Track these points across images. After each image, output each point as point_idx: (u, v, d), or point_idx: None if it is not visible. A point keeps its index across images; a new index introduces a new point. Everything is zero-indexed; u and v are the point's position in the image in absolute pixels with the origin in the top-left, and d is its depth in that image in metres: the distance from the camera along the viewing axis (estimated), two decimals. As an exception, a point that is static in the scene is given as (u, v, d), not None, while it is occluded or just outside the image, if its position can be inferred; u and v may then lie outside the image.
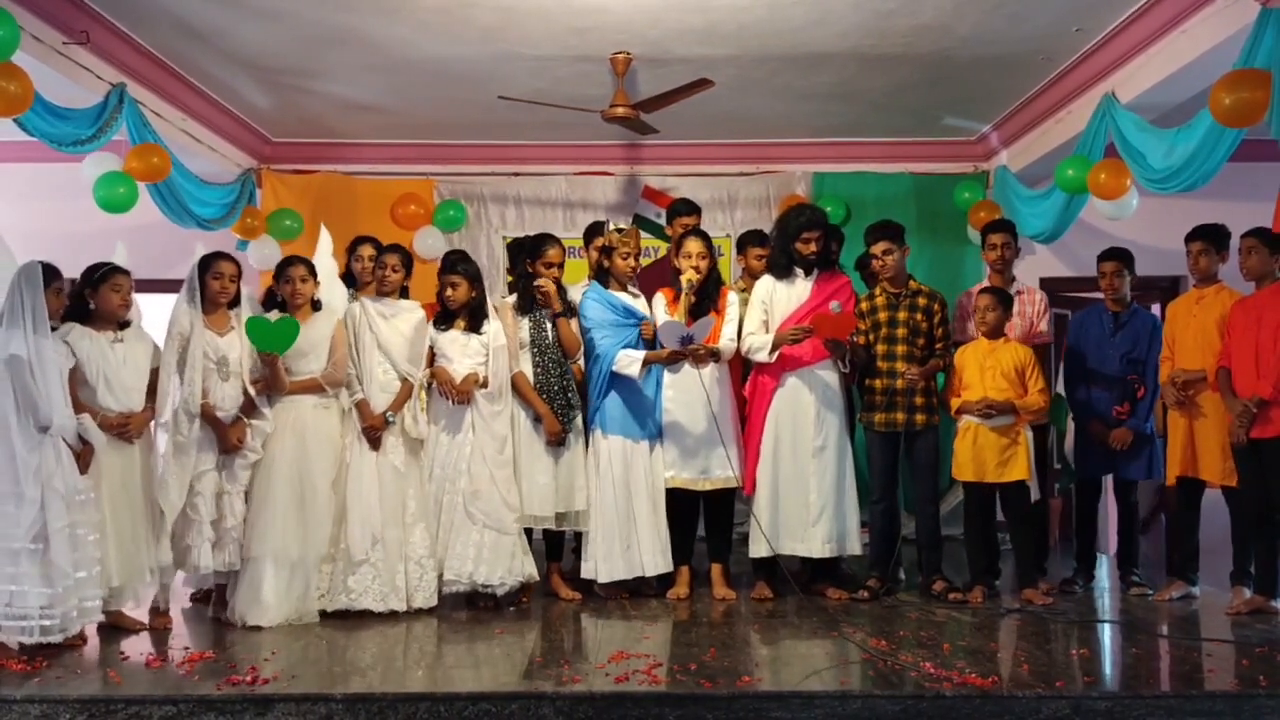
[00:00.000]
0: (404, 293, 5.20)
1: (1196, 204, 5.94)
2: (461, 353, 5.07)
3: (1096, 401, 5.53)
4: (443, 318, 5.15)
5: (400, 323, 5.08)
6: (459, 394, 4.99)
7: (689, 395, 5.20)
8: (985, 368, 5.18)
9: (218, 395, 4.72)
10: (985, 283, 5.77)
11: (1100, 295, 5.71)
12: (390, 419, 4.95)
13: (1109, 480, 5.76)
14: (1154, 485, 6.07)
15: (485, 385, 5.05)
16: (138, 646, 4.32)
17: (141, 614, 4.69)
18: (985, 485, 5.22)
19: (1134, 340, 5.50)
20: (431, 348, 5.12)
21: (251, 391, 4.77)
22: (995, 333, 5.26)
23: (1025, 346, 5.28)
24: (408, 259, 5.19)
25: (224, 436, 4.70)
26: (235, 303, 4.87)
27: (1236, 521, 5.06)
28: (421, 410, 5.09)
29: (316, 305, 5.00)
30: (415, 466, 5.03)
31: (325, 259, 5.19)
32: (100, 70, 5.73)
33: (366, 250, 5.46)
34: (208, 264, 4.80)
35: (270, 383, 4.79)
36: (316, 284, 5.00)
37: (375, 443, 4.94)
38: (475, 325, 5.11)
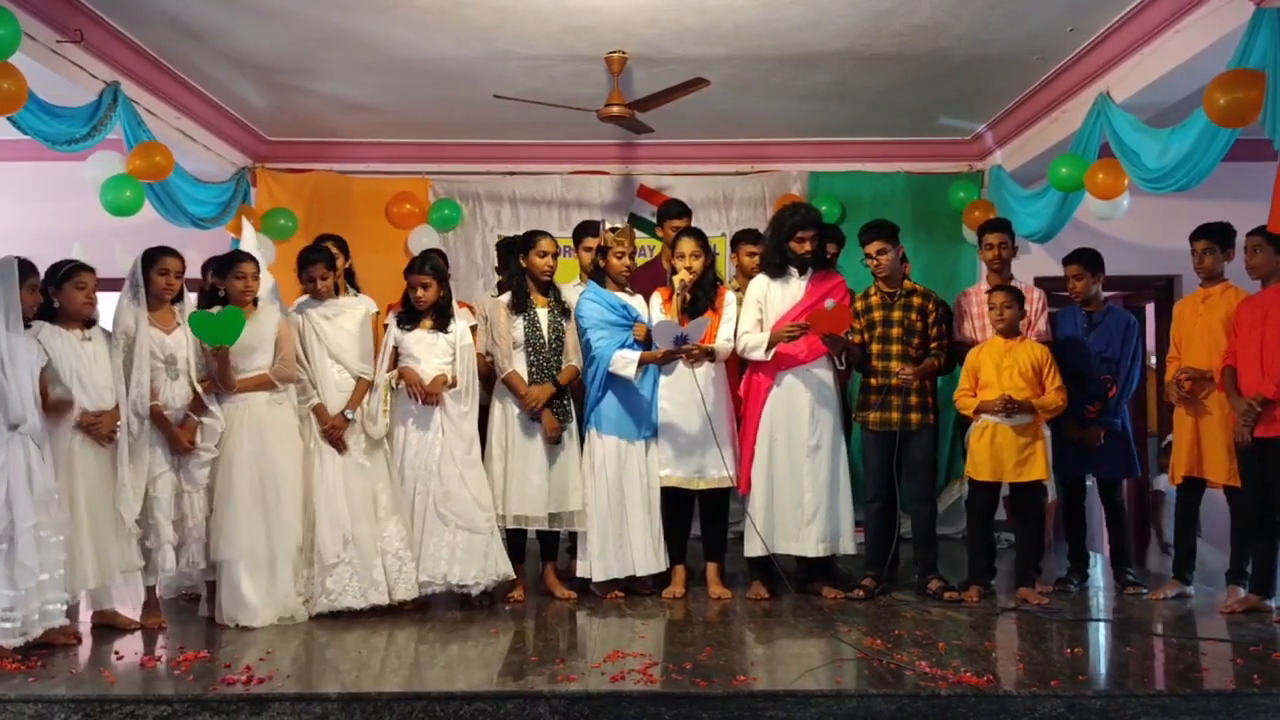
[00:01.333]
0: (351, 278, 5.19)
1: (1191, 204, 5.95)
2: (428, 352, 5.04)
3: (1071, 401, 5.52)
4: (408, 317, 5.11)
5: (345, 321, 5.05)
6: (428, 395, 4.97)
7: (684, 395, 5.20)
8: (1003, 367, 5.17)
9: (167, 394, 4.66)
10: (983, 283, 5.78)
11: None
12: (350, 417, 4.93)
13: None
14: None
15: (453, 385, 5.03)
16: (132, 646, 4.32)
17: (134, 613, 4.69)
18: (994, 485, 5.23)
19: (1107, 339, 5.51)
20: (396, 348, 5.09)
21: (199, 390, 4.72)
22: (1011, 331, 5.25)
23: (1042, 345, 5.27)
24: (332, 260, 5.12)
25: (174, 438, 4.65)
26: (179, 299, 4.82)
27: (1238, 521, 5.07)
28: (383, 412, 5.03)
29: (256, 301, 4.95)
30: (381, 460, 5.00)
31: (251, 251, 5.14)
32: (94, 69, 5.70)
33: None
34: (152, 259, 4.73)
35: (219, 379, 4.74)
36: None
37: (340, 445, 4.92)
38: (442, 325, 5.09)
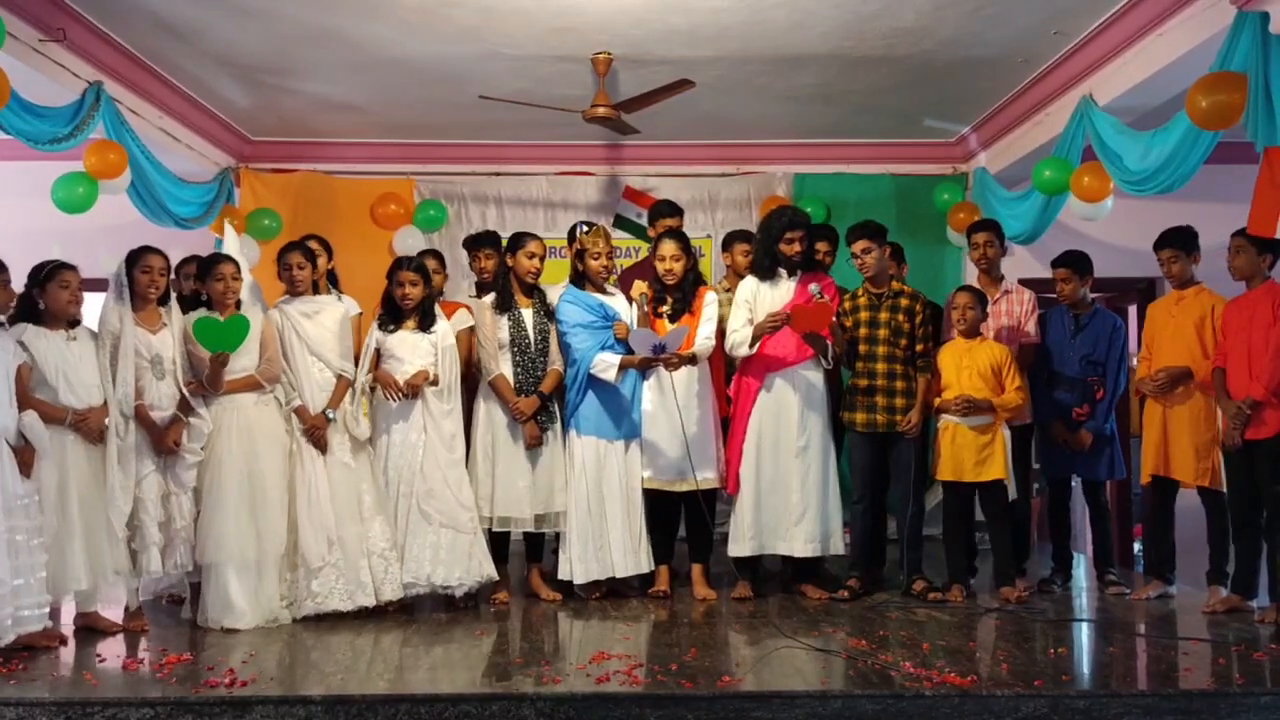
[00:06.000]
0: (333, 280, 5.15)
1: (1174, 205, 5.99)
2: (412, 353, 5.01)
3: (1058, 402, 5.55)
4: (391, 319, 5.09)
5: (325, 319, 5.03)
6: (408, 388, 4.93)
7: (667, 396, 5.20)
8: (962, 367, 5.21)
9: (153, 395, 4.64)
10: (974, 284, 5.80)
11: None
12: (330, 416, 4.91)
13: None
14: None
15: (435, 383, 5.00)
16: (114, 649, 4.30)
17: (117, 616, 4.66)
18: (964, 484, 5.24)
19: (1094, 342, 5.53)
20: (378, 350, 5.07)
21: (185, 392, 4.69)
22: (972, 331, 5.29)
23: (1002, 345, 5.31)
24: (310, 253, 5.10)
25: (159, 439, 4.62)
26: (165, 299, 4.80)
27: (1213, 521, 5.09)
28: (364, 414, 5.01)
29: (238, 303, 4.95)
30: (365, 460, 4.98)
31: (234, 254, 5.12)
32: (77, 68, 5.67)
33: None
34: (135, 258, 4.70)
35: (210, 384, 4.72)
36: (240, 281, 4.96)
37: (322, 444, 4.90)
38: (425, 325, 5.06)
